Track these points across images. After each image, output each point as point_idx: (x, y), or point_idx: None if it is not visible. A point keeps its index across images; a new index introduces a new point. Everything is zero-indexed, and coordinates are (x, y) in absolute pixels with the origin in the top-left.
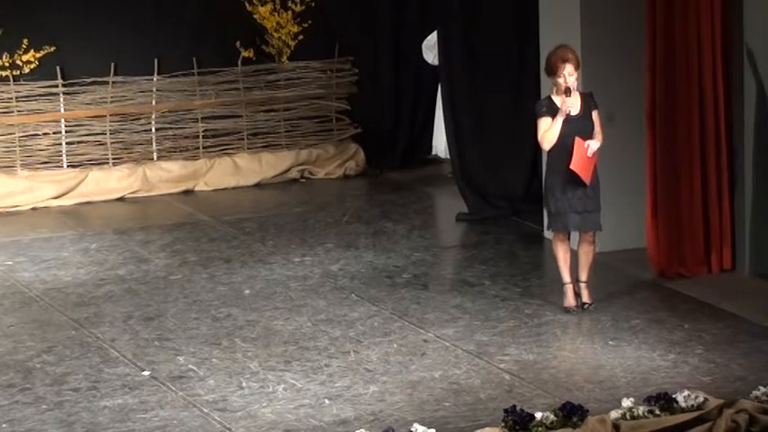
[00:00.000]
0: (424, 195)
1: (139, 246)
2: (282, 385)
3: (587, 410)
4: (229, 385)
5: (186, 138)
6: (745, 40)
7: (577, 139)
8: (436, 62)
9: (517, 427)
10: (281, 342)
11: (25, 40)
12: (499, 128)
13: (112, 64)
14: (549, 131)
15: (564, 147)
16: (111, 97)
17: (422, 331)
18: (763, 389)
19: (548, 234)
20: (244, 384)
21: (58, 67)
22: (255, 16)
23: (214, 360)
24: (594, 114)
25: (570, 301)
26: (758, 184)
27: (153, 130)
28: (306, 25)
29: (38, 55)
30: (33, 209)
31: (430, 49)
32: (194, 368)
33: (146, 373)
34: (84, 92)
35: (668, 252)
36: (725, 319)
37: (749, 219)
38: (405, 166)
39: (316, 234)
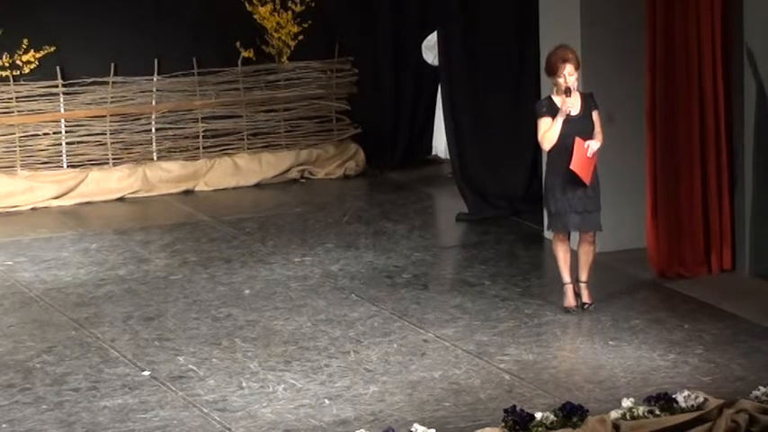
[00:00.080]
0: (424, 195)
1: (139, 246)
2: (282, 385)
3: (587, 410)
4: (229, 385)
5: (186, 138)
6: (745, 40)
7: (577, 140)
8: (436, 62)
9: (517, 427)
10: (281, 342)
11: (25, 40)
12: (499, 128)
13: (112, 64)
14: (549, 132)
15: (564, 147)
16: (111, 97)
17: (422, 331)
18: (763, 389)
19: (548, 234)
20: (244, 384)
21: (58, 67)
22: (255, 16)
23: (214, 360)
24: (595, 114)
25: (570, 301)
26: (758, 184)
27: (153, 130)
28: (306, 25)
29: (38, 55)
30: (33, 209)
31: (430, 50)
32: (194, 368)
33: (146, 373)
34: (84, 92)
35: (668, 252)
36: (725, 319)
37: (749, 219)
38: (405, 166)
39: (316, 234)
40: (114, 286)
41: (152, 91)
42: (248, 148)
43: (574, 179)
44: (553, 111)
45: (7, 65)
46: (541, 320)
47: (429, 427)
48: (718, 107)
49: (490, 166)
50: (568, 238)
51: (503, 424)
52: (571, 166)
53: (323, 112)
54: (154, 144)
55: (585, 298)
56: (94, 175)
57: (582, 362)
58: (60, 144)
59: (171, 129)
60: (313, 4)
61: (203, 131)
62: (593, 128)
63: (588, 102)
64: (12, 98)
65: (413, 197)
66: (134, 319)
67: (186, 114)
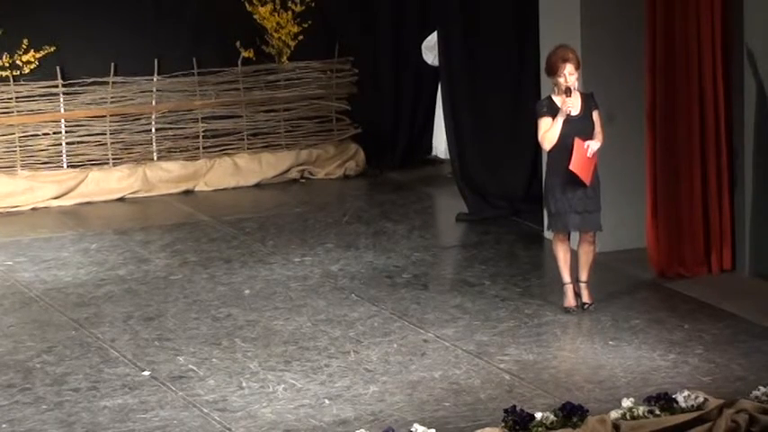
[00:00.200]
0: (424, 195)
1: (139, 246)
2: (282, 385)
3: (587, 410)
4: (229, 385)
5: (186, 138)
6: (745, 41)
7: (577, 140)
8: (436, 63)
9: (517, 427)
10: (281, 342)
11: (25, 40)
12: (499, 128)
13: (112, 64)
14: (549, 132)
15: (564, 147)
16: (111, 97)
17: (422, 331)
18: (763, 389)
19: (548, 234)
20: (244, 384)
21: (57, 68)
22: (255, 16)
23: (214, 360)
24: (595, 115)
25: (570, 301)
26: (758, 184)
27: (153, 130)
28: (306, 25)
29: (38, 55)
30: (33, 209)
31: (429, 50)
32: (194, 368)
33: (146, 373)
34: (84, 92)
35: (668, 252)
36: (725, 319)
37: (749, 219)
38: (405, 166)
39: (316, 234)
40: (114, 286)
41: (152, 91)
42: (248, 148)
43: (574, 179)
44: (553, 111)
45: (7, 65)
46: (541, 320)
47: (429, 427)
48: (718, 107)
49: (490, 166)
50: (568, 238)
51: (503, 424)
52: (570, 167)
53: (323, 112)
54: (154, 144)
55: (585, 298)
56: (94, 175)
57: (582, 362)
58: (60, 144)
59: (171, 129)
60: (313, 4)
61: (203, 131)
62: (593, 128)
63: (588, 102)
64: (12, 98)
65: (413, 197)
66: (134, 319)
67: (186, 114)
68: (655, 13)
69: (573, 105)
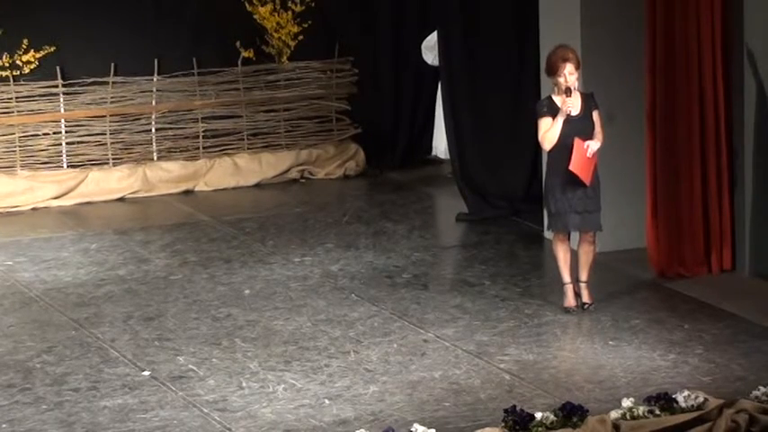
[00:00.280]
0: (424, 195)
1: (139, 246)
2: (282, 385)
3: (587, 410)
4: (229, 385)
5: (186, 138)
6: (745, 41)
7: (577, 140)
8: (436, 63)
9: (517, 427)
10: (281, 342)
11: (25, 40)
12: (499, 128)
13: (112, 64)
14: (549, 132)
15: (564, 147)
16: (111, 97)
17: (422, 331)
18: (763, 389)
19: (548, 234)
20: (244, 384)
21: (57, 68)
22: (255, 16)
23: (214, 360)
24: (595, 115)
25: (570, 301)
26: (758, 184)
27: (153, 130)
28: (306, 25)
29: (38, 55)
30: (33, 209)
31: (429, 50)
32: (194, 368)
33: (146, 373)
34: (84, 92)
35: (668, 252)
36: (725, 319)
37: (749, 219)
38: (405, 166)
39: (316, 234)
40: (114, 286)
41: (152, 91)
42: (248, 148)
43: (574, 179)
44: (553, 111)
45: (7, 65)
46: (541, 320)
47: (429, 427)
48: (718, 107)
49: (490, 166)
50: (568, 238)
51: (503, 424)
52: (570, 167)
53: (323, 112)
54: (154, 144)
55: (585, 298)
56: (94, 175)
57: (582, 362)
58: (60, 144)
59: (171, 129)
60: (313, 4)
61: (203, 131)
62: (593, 128)
63: (588, 102)
64: (12, 98)
65: (413, 197)
66: (134, 319)
67: (186, 114)
68: (655, 13)
69: (573, 105)
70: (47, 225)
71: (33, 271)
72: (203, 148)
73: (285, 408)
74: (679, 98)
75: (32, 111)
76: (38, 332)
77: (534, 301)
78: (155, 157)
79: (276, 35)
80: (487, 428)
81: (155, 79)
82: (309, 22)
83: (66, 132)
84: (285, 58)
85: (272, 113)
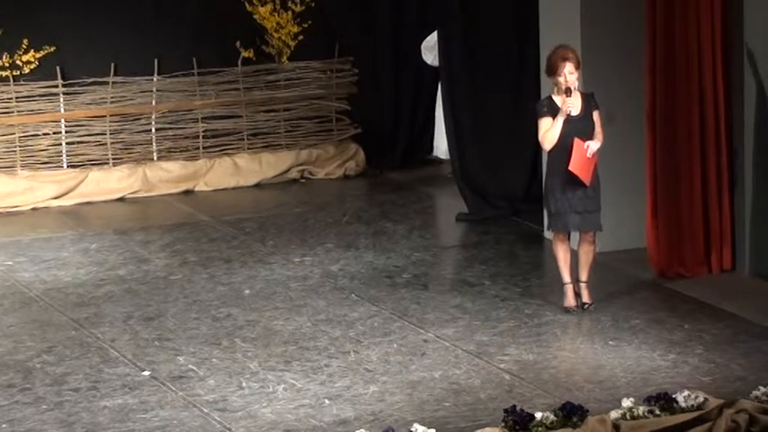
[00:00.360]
0: (424, 195)
1: (139, 246)
2: (282, 385)
3: (587, 410)
4: (229, 385)
5: (186, 138)
6: (745, 40)
7: (576, 141)
8: (435, 63)
9: (517, 427)
10: (281, 342)
11: (25, 40)
12: (499, 128)
13: (112, 64)
14: (549, 131)
15: (564, 147)
16: (111, 97)
17: (422, 331)
18: (763, 389)
19: (548, 234)
20: (244, 384)
21: (57, 67)
22: (255, 16)
23: (214, 360)
24: (595, 115)
25: (570, 301)
26: (758, 184)
27: (153, 130)
28: (306, 25)
29: (38, 55)
30: (33, 209)
31: (429, 50)
32: (194, 368)
33: (146, 373)
34: (84, 92)
35: (668, 252)
36: (725, 319)
37: (749, 219)
38: (405, 166)
39: (316, 234)
40: (114, 286)
41: (152, 91)
42: (248, 148)
43: (574, 179)
44: (554, 110)
45: (7, 65)
46: (541, 320)
47: (429, 427)
48: (718, 107)
49: (490, 166)
50: (568, 238)
51: (503, 424)
52: (570, 168)
53: (323, 112)
54: (154, 144)
55: (585, 298)
56: (94, 175)
57: (582, 362)
58: (60, 144)
59: (171, 129)
60: (313, 4)
61: (203, 131)
62: (593, 128)
63: (589, 102)
64: (12, 98)
65: (413, 197)
66: (134, 319)
67: (186, 114)
68: (655, 13)
69: (573, 105)
70: (47, 225)
71: (33, 271)
72: (203, 148)
73: (285, 408)
74: (679, 98)
75: (32, 111)
76: (38, 332)
77: (534, 301)
78: (155, 157)
79: (276, 35)
80: (487, 428)
81: (155, 79)
82: (309, 22)
83: (66, 132)
84: (285, 58)
85: (272, 113)
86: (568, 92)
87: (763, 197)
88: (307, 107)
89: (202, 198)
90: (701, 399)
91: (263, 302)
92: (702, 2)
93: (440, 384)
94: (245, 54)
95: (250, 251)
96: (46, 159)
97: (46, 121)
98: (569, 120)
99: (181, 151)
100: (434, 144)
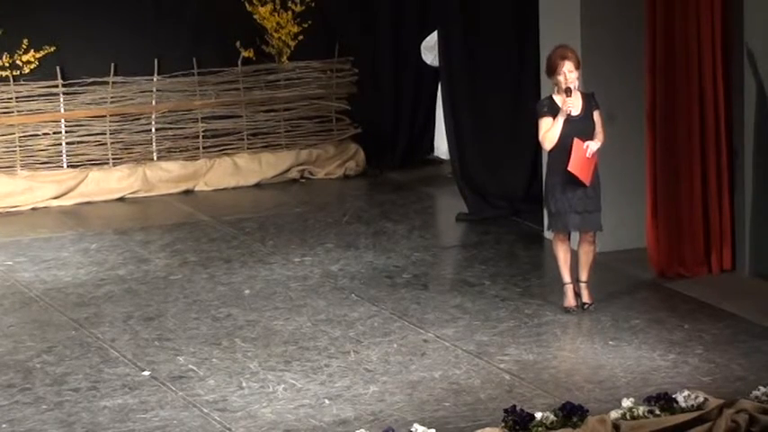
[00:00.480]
0: (424, 195)
1: (139, 246)
2: (282, 385)
3: (587, 410)
4: (229, 385)
5: (186, 138)
6: (745, 41)
7: (576, 141)
8: (435, 63)
9: (517, 427)
10: (281, 342)
11: (25, 40)
12: (499, 128)
13: (112, 64)
14: (550, 131)
15: (564, 147)
16: (111, 97)
17: (422, 331)
18: (763, 389)
19: (548, 234)
20: (244, 384)
21: (57, 67)
22: (255, 16)
23: (214, 360)
24: (596, 115)
25: (570, 301)
26: (758, 184)
27: (153, 130)
28: (306, 25)
29: (38, 55)
30: (33, 209)
31: (429, 51)
32: (194, 368)
33: (146, 373)
34: (84, 92)
35: (668, 252)
36: (725, 319)
37: (749, 219)
38: (405, 166)
39: (316, 234)
40: (114, 286)
41: (152, 91)
42: (248, 148)
43: (574, 179)
44: (554, 110)
45: (7, 65)
46: (541, 320)
47: (429, 427)
48: (718, 107)
49: (490, 166)
50: (568, 238)
51: (503, 424)
52: (569, 168)
53: (323, 112)
54: (154, 144)
55: (585, 298)
56: (94, 175)
57: (582, 362)
58: (60, 144)
59: (171, 129)
60: (313, 4)
61: (203, 131)
62: (594, 128)
63: (589, 102)
64: (12, 98)
65: (413, 197)
66: (134, 319)
67: (186, 114)
68: (655, 13)
69: (573, 105)
70: (47, 225)
71: (33, 271)
72: (203, 148)
73: (285, 408)
74: (679, 98)
75: (32, 111)
76: (38, 332)
77: (534, 301)
78: (155, 157)
79: (276, 35)
80: (487, 428)
81: (155, 79)
82: (309, 22)
83: (66, 132)
84: (285, 58)
85: (272, 113)
86: (569, 91)
87: (763, 197)
88: (307, 107)
89: (202, 198)
90: (701, 399)
91: (263, 302)
92: (702, 2)
93: (440, 384)
94: (245, 54)
95: (250, 251)
96: (46, 159)
97: (46, 121)
98: (570, 120)
99: (181, 151)
100: (434, 144)
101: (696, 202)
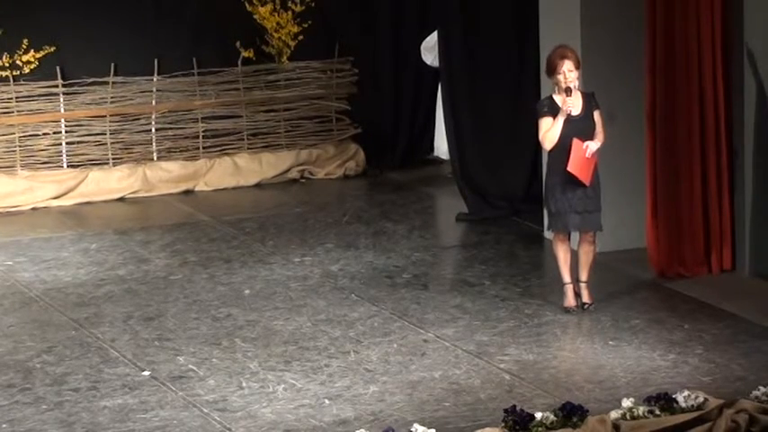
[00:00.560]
0: (424, 195)
1: (139, 246)
2: (282, 385)
3: (587, 410)
4: (229, 385)
5: (186, 138)
6: (745, 41)
7: (575, 141)
8: (435, 63)
9: (517, 427)
10: (281, 342)
11: (25, 40)
12: (499, 128)
13: (112, 64)
14: (550, 131)
15: (564, 147)
16: (111, 97)
17: (422, 331)
18: (763, 389)
19: (548, 234)
20: (244, 384)
21: (57, 67)
22: (255, 16)
23: (214, 360)
24: (596, 114)
25: (570, 301)
26: (758, 184)
27: (153, 130)
28: (306, 25)
29: (38, 55)
30: (33, 209)
31: (429, 51)
32: (194, 368)
33: (146, 373)
34: (84, 92)
35: (668, 252)
36: (725, 319)
37: (749, 219)
38: (405, 166)
39: (316, 234)
40: (114, 286)
41: (152, 91)
42: (248, 148)
43: (574, 179)
44: (554, 110)
45: (7, 65)
46: (541, 320)
47: (429, 427)
48: (718, 107)
49: (490, 166)
50: (568, 238)
51: (503, 424)
52: (568, 168)
53: (323, 112)
54: (154, 144)
55: (585, 298)
56: (94, 175)
57: (582, 362)
58: (60, 144)
59: (171, 129)
60: (313, 4)
61: (203, 131)
62: (594, 128)
63: (589, 102)
64: (12, 98)
65: (413, 197)
66: (134, 319)
67: (186, 114)
68: (655, 13)
69: (573, 105)
70: (47, 225)
71: (33, 271)
72: (203, 148)
73: (285, 408)
74: (679, 98)
75: (32, 111)
76: (38, 332)
77: (534, 301)
78: (155, 157)
79: (276, 35)
80: (487, 428)
81: (155, 79)
82: (309, 22)
83: (66, 132)
84: (285, 58)
85: (272, 113)
86: (569, 91)
87: (763, 197)
88: (307, 107)
89: (202, 198)
90: (701, 399)
91: (263, 302)
92: (702, 2)
93: (440, 384)
94: (245, 54)
95: (250, 251)
96: (46, 159)
97: (46, 121)
98: (570, 119)
99: (181, 151)
100: (434, 144)
101: (696, 202)
